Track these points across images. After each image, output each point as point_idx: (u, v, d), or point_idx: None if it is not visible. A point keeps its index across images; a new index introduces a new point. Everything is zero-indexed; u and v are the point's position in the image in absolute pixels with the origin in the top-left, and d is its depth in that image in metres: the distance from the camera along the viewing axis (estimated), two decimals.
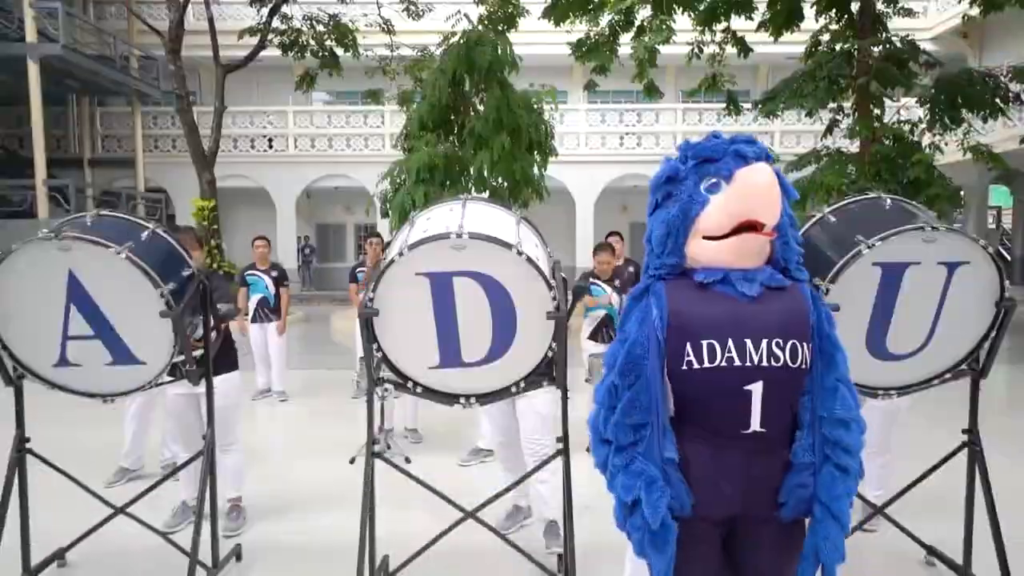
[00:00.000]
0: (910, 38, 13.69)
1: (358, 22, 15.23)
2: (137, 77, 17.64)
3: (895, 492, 3.07)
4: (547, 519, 3.51)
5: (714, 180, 1.85)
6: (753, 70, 20.81)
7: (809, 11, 13.90)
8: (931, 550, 3.02)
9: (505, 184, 11.89)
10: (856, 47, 12.72)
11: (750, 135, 2.00)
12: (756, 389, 1.80)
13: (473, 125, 11.55)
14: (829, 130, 13.73)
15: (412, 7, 15.11)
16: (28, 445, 2.80)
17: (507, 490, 3.06)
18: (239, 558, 3.18)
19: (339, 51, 15.32)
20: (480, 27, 13.78)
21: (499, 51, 11.63)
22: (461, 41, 11.63)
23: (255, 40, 14.55)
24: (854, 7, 13.32)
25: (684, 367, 1.81)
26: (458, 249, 2.38)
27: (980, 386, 2.79)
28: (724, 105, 14.85)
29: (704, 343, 1.79)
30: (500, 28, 14.77)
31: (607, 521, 3.64)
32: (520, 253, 2.38)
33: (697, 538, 1.86)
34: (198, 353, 2.89)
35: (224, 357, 3.52)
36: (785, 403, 1.87)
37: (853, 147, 13.51)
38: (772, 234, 1.85)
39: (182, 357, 2.66)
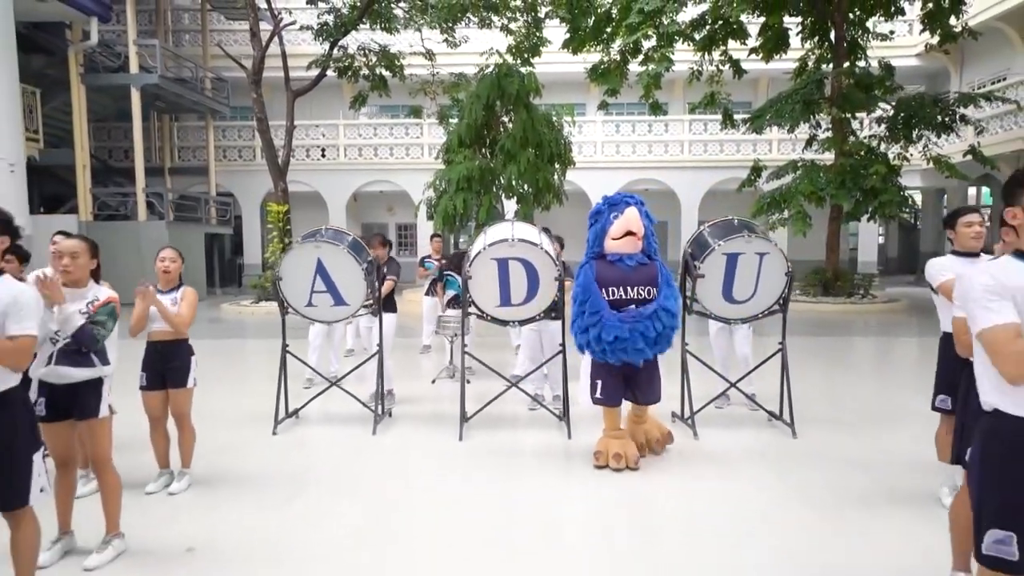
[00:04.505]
0: (887, 60, 15.54)
1: (404, 51, 17.73)
2: (210, 96, 20.40)
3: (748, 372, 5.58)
4: (553, 394, 6.09)
5: (616, 213, 4.32)
6: (754, 83, 22.85)
7: (796, 37, 15.89)
8: (770, 413, 5.44)
9: (530, 191, 14.15)
10: (827, 76, 14.64)
11: (638, 197, 4.44)
12: (632, 305, 4.29)
13: (503, 142, 13.79)
14: (808, 143, 15.76)
15: (450, 38, 17.54)
16: (288, 348, 5.36)
17: (535, 370, 5.71)
18: (391, 415, 5.74)
19: (387, 74, 17.81)
20: (508, 55, 16.01)
21: (524, 80, 13.81)
22: (493, 72, 13.87)
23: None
24: (834, 35, 15.22)
25: (604, 298, 4.31)
26: (511, 246, 4.87)
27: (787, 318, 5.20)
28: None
29: (611, 288, 4.28)
30: (525, 56, 17.02)
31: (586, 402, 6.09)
32: (542, 249, 4.88)
33: (610, 372, 4.38)
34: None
35: (388, 306, 6.02)
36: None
37: (830, 157, 15.42)
38: (639, 238, 4.27)
39: (370, 301, 5.20)
